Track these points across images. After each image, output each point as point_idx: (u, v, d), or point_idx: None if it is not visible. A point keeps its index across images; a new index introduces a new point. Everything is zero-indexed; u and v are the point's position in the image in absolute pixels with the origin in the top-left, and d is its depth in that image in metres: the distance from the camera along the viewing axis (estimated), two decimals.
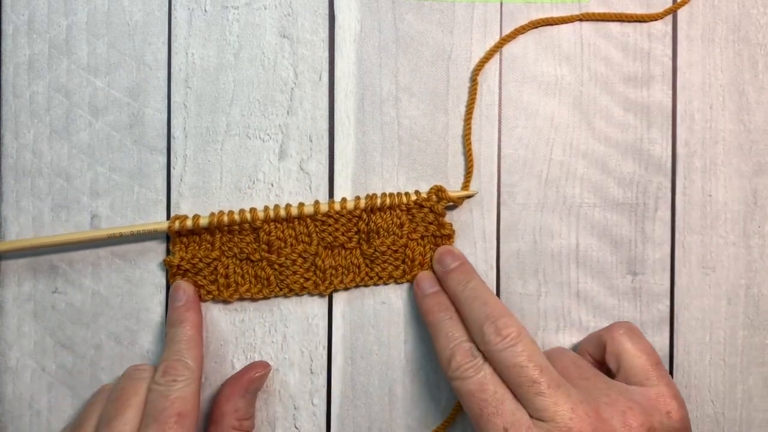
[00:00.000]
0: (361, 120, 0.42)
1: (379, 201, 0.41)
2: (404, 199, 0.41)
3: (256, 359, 0.42)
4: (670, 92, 0.43)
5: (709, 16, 0.43)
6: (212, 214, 0.41)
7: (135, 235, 0.40)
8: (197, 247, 0.41)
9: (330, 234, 0.41)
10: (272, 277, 0.41)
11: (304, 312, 0.42)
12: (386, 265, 0.42)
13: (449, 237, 0.41)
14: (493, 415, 0.34)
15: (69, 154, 0.42)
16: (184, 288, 0.40)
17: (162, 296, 0.42)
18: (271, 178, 0.42)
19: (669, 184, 0.43)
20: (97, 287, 0.42)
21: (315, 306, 0.42)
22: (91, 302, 0.42)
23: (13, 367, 0.42)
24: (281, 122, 0.42)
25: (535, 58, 0.43)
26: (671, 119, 0.43)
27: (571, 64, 0.43)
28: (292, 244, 0.41)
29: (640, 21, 0.43)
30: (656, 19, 0.43)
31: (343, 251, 0.42)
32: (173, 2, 0.42)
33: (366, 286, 0.42)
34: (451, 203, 0.42)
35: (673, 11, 0.43)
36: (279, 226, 0.41)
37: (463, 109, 0.43)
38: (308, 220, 0.41)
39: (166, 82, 0.42)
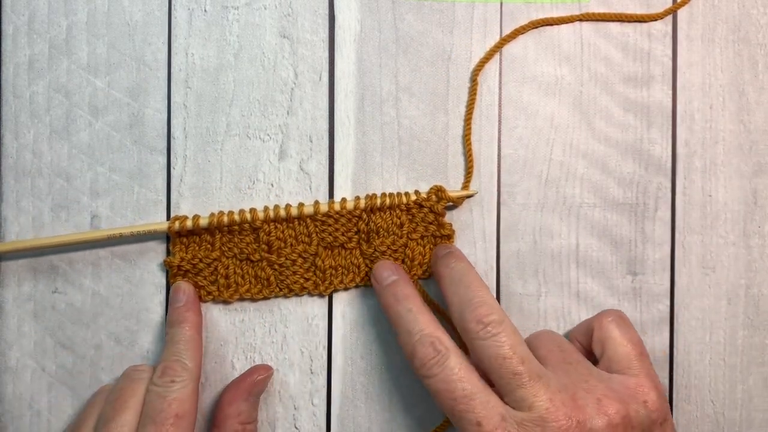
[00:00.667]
0: (361, 120, 0.42)
1: (379, 201, 0.41)
2: (404, 199, 0.41)
3: (256, 359, 0.42)
4: (670, 92, 0.43)
5: (709, 16, 0.43)
6: (212, 214, 0.41)
7: (135, 235, 0.40)
8: (197, 248, 0.41)
9: (330, 234, 0.41)
10: (272, 278, 0.41)
11: (304, 312, 0.42)
12: None
13: (449, 237, 0.41)
14: (464, 412, 0.34)
15: (69, 154, 0.42)
16: (184, 289, 0.40)
17: (162, 296, 0.42)
18: (271, 178, 0.42)
19: (669, 184, 0.43)
20: (97, 287, 0.42)
21: (315, 306, 0.42)
22: (91, 302, 0.42)
23: (13, 367, 0.42)
24: (281, 122, 0.42)
25: (535, 58, 0.43)
26: (671, 119, 0.43)
27: (571, 64, 0.43)
28: (291, 245, 0.41)
29: (640, 21, 0.43)
30: (656, 19, 0.43)
31: (343, 251, 0.42)
32: (173, 2, 0.42)
33: (366, 286, 0.42)
34: (451, 203, 0.42)
35: (673, 11, 0.43)
36: (279, 226, 0.41)
37: (463, 109, 0.43)
38: (308, 220, 0.41)
39: (166, 82, 0.42)
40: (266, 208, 0.41)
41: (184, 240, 0.41)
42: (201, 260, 0.41)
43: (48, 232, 0.42)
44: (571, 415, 0.33)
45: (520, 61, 0.43)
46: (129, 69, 0.42)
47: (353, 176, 0.42)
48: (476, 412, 0.33)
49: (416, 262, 0.41)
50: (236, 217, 0.40)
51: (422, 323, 0.36)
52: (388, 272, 0.40)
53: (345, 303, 0.42)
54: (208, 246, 0.41)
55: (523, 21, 0.43)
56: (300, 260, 0.41)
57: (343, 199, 0.41)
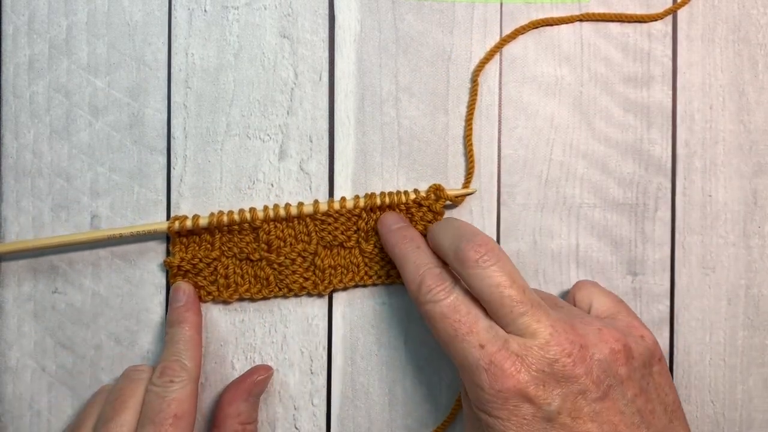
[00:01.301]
0: (361, 120, 0.42)
1: (378, 200, 0.41)
2: (403, 198, 0.41)
3: (256, 359, 0.42)
4: (670, 92, 0.43)
5: (709, 16, 0.43)
6: (212, 214, 0.41)
7: (135, 235, 0.40)
8: (197, 248, 0.41)
9: (329, 233, 0.41)
10: (272, 277, 0.41)
11: (304, 312, 0.42)
12: (385, 264, 0.41)
13: None
14: (467, 334, 0.33)
15: (69, 155, 0.42)
16: (184, 289, 0.40)
17: (162, 297, 0.42)
18: (271, 178, 0.42)
19: (669, 185, 0.43)
20: (97, 287, 0.42)
21: (315, 306, 0.42)
22: (91, 302, 0.42)
23: (13, 367, 0.42)
24: (281, 122, 0.42)
25: (535, 59, 0.43)
26: (671, 119, 0.43)
27: (571, 64, 0.43)
28: (291, 244, 0.41)
29: (640, 21, 0.43)
30: (656, 20, 0.43)
31: (343, 250, 0.42)
32: (173, 2, 0.42)
33: (365, 285, 0.42)
34: (450, 202, 0.42)
35: (673, 11, 0.43)
36: (279, 225, 0.41)
37: (462, 109, 0.43)
38: (308, 220, 0.41)
39: (166, 82, 0.42)
40: (266, 208, 0.41)
41: (184, 240, 0.41)
42: (201, 260, 0.41)
43: (48, 232, 0.42)
44: (573, 339, 0.33)
45: (520, 61, 0.43)
46: (129, 69, 0.42)
47: (353, 176, 0.42)
48: (480, 335, 0.33)
49: None
50: (236, 216, 0.40)
51: (430, 258, 0.37)
52: (395, 219, 0.40)
53: (345, 303, 0.42)
54: (208, 246, 0.41)
55: (523, 21, 0.43)
56: (299, 259, 0.41)
57: (343, 198, 0.41)
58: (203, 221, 0.40)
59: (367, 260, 0.41)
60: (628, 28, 0.43)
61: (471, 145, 0.42)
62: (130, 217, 0.42)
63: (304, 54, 0.42)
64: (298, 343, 0.42)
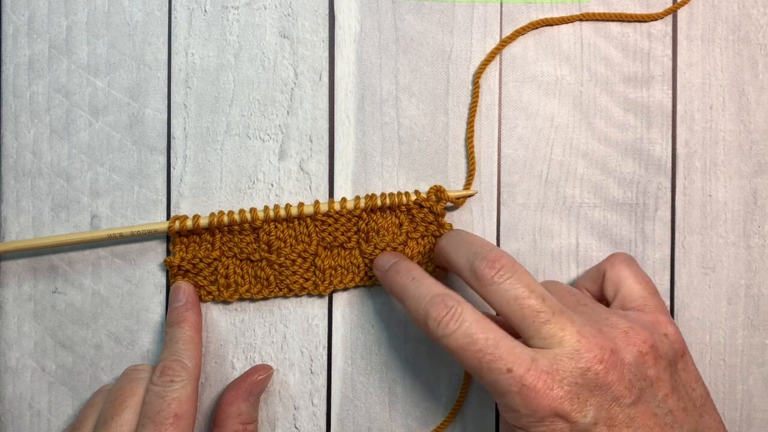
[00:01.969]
0: (361, 120, 0.42)
1: (378, 201, 0.41)
2: (404, 199, 0.41)
3: (256, 359, 0.42)
4: (670, 92, 0.43)
5: (709, 16, 0.43)
6: (212, 214, 0.41)
7: (135, 235, 0.40)
8: (197, 248, 0.41)
9: (330, 234, 0.41)
10: (272, 277, 0.41)
11: (304, 312, 0.42)
12: None
13: None
14: (491, 362, 0.32)
15: (69, 154, 0.42)
16: (184, 288, 0.40)
17: (162, 296, 0.42)
18: (271, 178, 0.42)
19: (669, 184, 0.43)
20: (97, 287, 0.42)
21: (315, 306, 0.42)
22: (91, 302, 0.42)
23: (13, 367, 0.42)
24: (281, 122, 0.42)
25: (535, 58, 0.43)
26: (671, 119, 0.43)
27: (571, 64, 0.43)
28: (291, 244, 0.41)
29: (640, 21, 0.43)
30: (656, 19, 0.43)
31: (343, 251, 0.42)
32: (173, 2, 0.42)
33: (365, 286, 0.42)
34: (451, 203, 0.42)
35: (673, 11, 0.43)
36: (279, 226, 0.41)
37: (462, 109, 0.42)
38: (308, 220, 0.41)
39: (166, 82, 0.42)
40: (266, 208, 0.41)
41: (184, 240, 0.41)
42: (201, 260, 0.41)
43: (48, 232, 0.42)
44: (603, 344, 0.33)
45: (520, 61, 0.43)
46: (129, 69, 0.42)
47: (353, 176, 0.42)
48: (505, 359, 0.32)
49: (415, 262, 0.41)
50: (236, 216, 0.40)
51: (428, 286, 0.36)
52: (387, 258, 0.40)
53: (345, 303, 0.42)
54: (208, 246, 0.41)
55: (523, 21, 0.43)
56: (300, 260, 0.41)
57: (343, 199, 0.41)
58: (203, 221, 0.40)
59: (367, 261, 0.41)
60: (628, 28, 0.43)
61: (472, 147, 0.42)
62: (130, 217, 0.42)
63: (304, 54, 0.42)
64: (298, 343, 0.42)
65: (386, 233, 0.41)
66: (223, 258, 0.41)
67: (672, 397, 0.34)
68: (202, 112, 0.42)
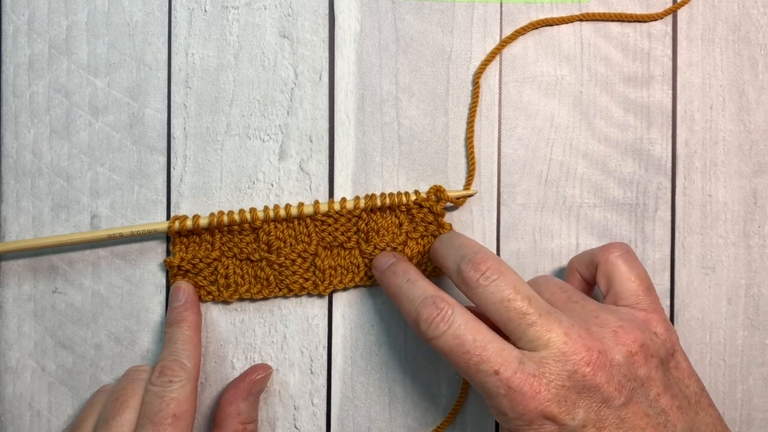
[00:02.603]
0: (361, 120, 0.42)
1: (378, 201, 0.41)
2: (404, 199, 0.41)
3: (256, 359, 0.42)
4: (670, 92, 0.43)
5: (709, 16, 0.43)
6: (212, 214, 0.41)
7: (135, 235, 0.40)
8: (197, 248, 0.41)
9: (329, 234, 0.41)
10: (272, 277, 0.41)
11: (304, 312, 0.42)
12: None
13: None
14: (479, 364, 0.32)
15: (69, 154, 0.42)
16: (184, 288, 0.40)
17: (162, 296, 0.42)
18: (271, 178, 0.42)
19: (669, 184, 0.43)
20: (97, 287, 0.42)
21: (315, 306, 0.42)
22: (91, 302, 0.42)
23: (13, 367, 0.42)
24: (281, 122, 0.42)
25: (535, 59, 0.43)
26: (671, 119, 0.43)
27: (571, 64, 0.43)
28: (291, 244, 0.41)
29: (640, 21, 0.43)
30: (656, 19, 0.43)
31: (343, 251, 0.42)
32: (173, 2, 0.42)
33: (365, 286, 0.42)
34: (451, 203, 0.42)
35: (673, 11, 0.43)
36: (279, 226, 0.41)
37: (462, 109, 0.42)
38: (308, 220, 0.41)
39: (166, 82, 0.42)
40: (266, 208, 0.41)
41: (184, 240, 0.41)
42: (201, 260, 0.41)
43: (48, 232, 0.42)
44: (590, 345, 0.33)
45: (520, 61, 0.43)
46: (129, 69, 0.42)
47: (353, 176, 0.42)
48: (492, 361, 0.32)
49: (415, 262, 0.41)
50: (236, 216, 0.40)
51: (422, 288, 0.36)
52: (386, 259, 0.40)
53: (345, 303, 0.42)
54: (208, 246, 0.41)
55: (523, 21, 0.43)
56: (299, 260, 0.41)
57: (343, 199, 0.41)
58: (203, 221, 0.40)
59: (367, 261, 0.41)
60: (628, 28, 0.43)
61: (472, 147, 0.42)
62: (130, 217, 0.42)
63: (304, 54, 0.42)
64: (298, 343, 0.42)
65: (386, 233, 0.41)
66: (223, 258, 0.41)
67: (665, 396, 0.34)
68: (202, 112, 0.42)
